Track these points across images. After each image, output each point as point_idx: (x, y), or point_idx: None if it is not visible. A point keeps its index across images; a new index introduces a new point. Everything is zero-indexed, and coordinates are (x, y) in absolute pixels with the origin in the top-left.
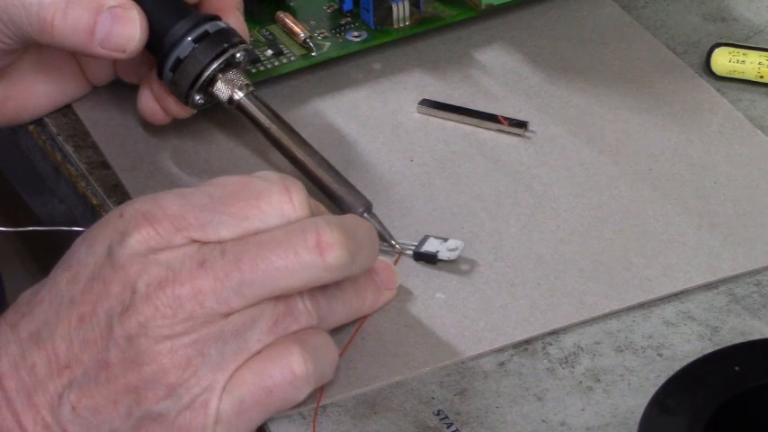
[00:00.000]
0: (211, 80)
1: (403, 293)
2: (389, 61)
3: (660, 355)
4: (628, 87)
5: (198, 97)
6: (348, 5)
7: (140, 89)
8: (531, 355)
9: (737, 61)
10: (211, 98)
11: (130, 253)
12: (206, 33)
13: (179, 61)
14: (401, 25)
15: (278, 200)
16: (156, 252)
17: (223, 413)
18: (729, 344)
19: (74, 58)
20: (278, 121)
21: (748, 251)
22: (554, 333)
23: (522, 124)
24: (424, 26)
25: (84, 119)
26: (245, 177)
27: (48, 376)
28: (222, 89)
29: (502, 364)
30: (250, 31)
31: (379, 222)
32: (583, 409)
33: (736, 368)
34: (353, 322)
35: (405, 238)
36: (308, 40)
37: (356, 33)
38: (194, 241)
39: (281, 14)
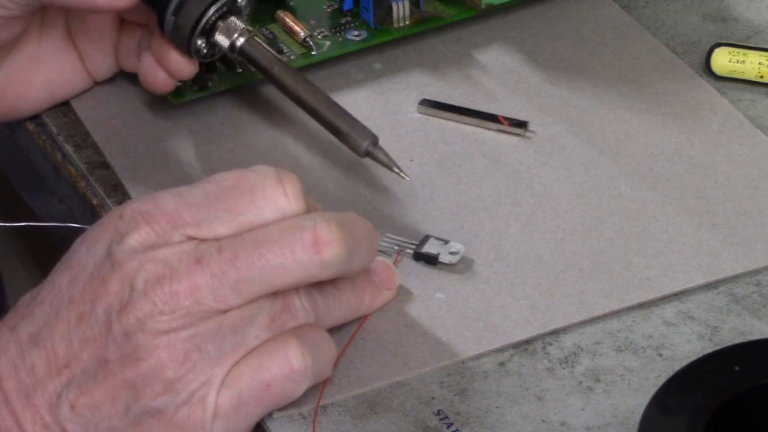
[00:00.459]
0: (212, 28)
1: (403, 293)
2: (389, 61)
3: (660, 355)
4: (628, 87)
5: (200, 42)
6: (348, 5)
7: (141, 58)
8: (531, 355)
9: (737, 61)
10: (213, 49)
11: (129, 251)
12: None
13: (181, 4)
14: (401, 25)
15: (272, 193)
16: (153, 250)
17: (221, 408)
18: (729, 344)
19: (74, 48)
20: (280, 63)
21: (748, 251)
22: (554, 333)
23: (522, 124)
24: (424, 26)
25: (84, 119)
26: (239, 172)
27: (47, 376)
28: (223, 36)
29: (502, 364)
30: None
31: (386, 155)
32: (583, 409)
33: (736, 368)
34: (353, 322)
35: (405, 238)
36: (308, 39)
37: (356, 33)
38: (191, 238)
39: (281, 13)
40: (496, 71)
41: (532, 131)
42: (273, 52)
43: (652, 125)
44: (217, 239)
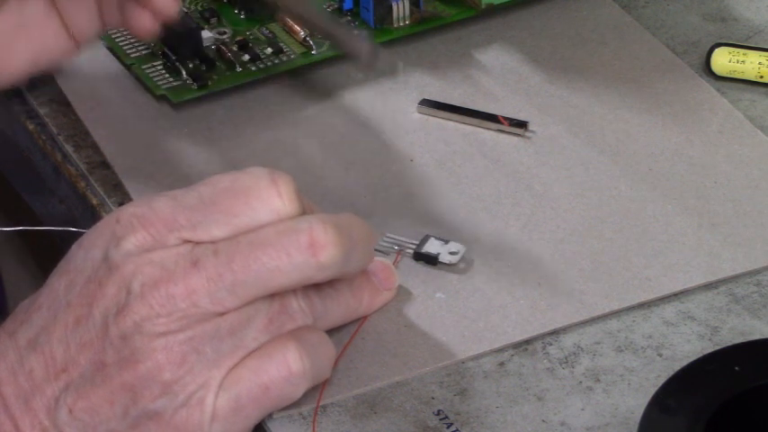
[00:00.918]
0: None
1: (403, 293)
2: (389, 61)
3: (660, 355)
4: (628, 87)
5: None
6: (348, 4)
7: (125, 7)
8: (531, 355)
9: (737, 61)
10: None
11: (125, 255)
12: None
13: None
14: (401, 24)
15: (267, 194)
16: (150, 253)
17: (219, 410)
18: (729, 344)
19: (56, 14)
20: None
21: (748, 251)
22: (554, 333)
23: (522, 124)
24: (424, 25)
25: (85, 119)
26: (233, 174)
27: (45, 380)
28: None
29: (502, 364)
30: (250, 30)
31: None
32: (583, 409)
33: (736, 368)
34: (353, 322)
35: (405, 237)
36: (308, 39)
37: (356, 32)
38: (187, 241)
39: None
40: (496, 71)
41: (532, 131)
42: None
43: (652, 125)
44: (213, 242)
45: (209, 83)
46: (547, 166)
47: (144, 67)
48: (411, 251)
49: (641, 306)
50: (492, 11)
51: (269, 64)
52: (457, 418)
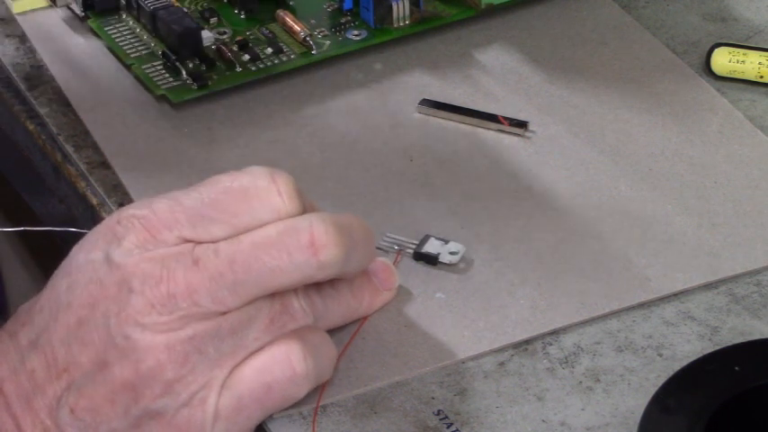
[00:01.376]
0: None
1: (403, 293)
2: (389, 61)
3: (660, 355)
4: (628, 87)
5: None
6: (348, 4)
7: None
8: (531, 355)
9: (737, 61)
10: None
11: (126, 255)
12: None
13: None
14: (401, 24)
15: (267, 194)
16: (150, 252)
17: (222, 410)
18: (729, 344)
19: None
20: None
21: (748, 251)
22: (554, 333)
23: (522, 124)
24: (424, 25)
25: (85, 119)
26: (232, 174)
27: (47, 380)
28: None
29: (502, 364)
30: (250, 30)
31: None
32: (583, 409)
33: (736, 368)
34: (353, 322)
35: (405, 237)
36: (307, 39)
37: (356, 32)
38: (188, 241)
39: (281, 13)
40: (496, 71)
41: (532, 131)
42: None
43: (652, 125)
44: (213, 242)
45: (209, 83)
46: (547, 166)
47: (144, 67)
48: (411, 251)
49: (641, 306)
50: (492, 11)
51: (269, 64)
52: (457, 418)
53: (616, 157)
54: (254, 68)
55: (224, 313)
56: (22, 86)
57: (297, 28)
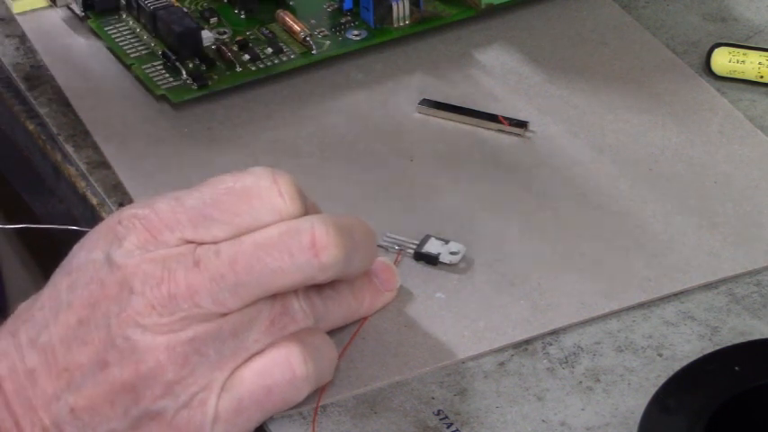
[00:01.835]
0: None
1: (403, 293)
2: (389, 61)
3: (660, 355)
4: (628, 87)
5: None
6: (348, 4)
7: None
8: (531, 355)
9: (737, 61)
10: None
11: (127, 255)
12: None
13: None
14: (401, 24)
15: (268, 194)
16: (151, 253)
17: (222, 412)
18: (729, 344)
19: None
20: None
21: (748, 251)
22: (554, 333)
23: (522, 124)
24: (424, 25)
25: (85, 119)
26: (234, 175)
27: (46, 379)
28: None
29: (502, 364)
30: (250, 30)
31: None
32: (583, 409)
33: (736, 368)
34: (353, 323)
35: (405, 237)
36: (307, 39)
37: (356, 32)
38: (189, 242)
39: (281, 13)
40: (496, 71)
41: (532, 131)
42: None
43: (652, 125)
44: (215, 242)
45: (210, 83)
46: (547, 166)
47: (144, 67)
48: (411, 251)
49: (641, 306)
50: (492, 11)
51: (269, 64)
52: (457, 418)
53: (616, 157)
54: (254, 68)
55: (224, 315)
56: (22, 86)
57: (297, 28)
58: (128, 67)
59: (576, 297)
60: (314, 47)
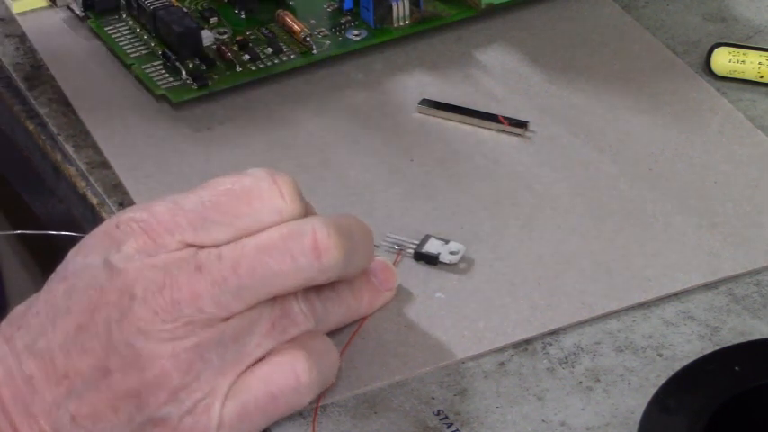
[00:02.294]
0: None
1: (403, 293)
2: (389, 61)
3: (660, 355)
4: (628, 87)
5: None
6: (348, 4)
7: None
8: (531, 355)
9: (737, 61)
10: None
11: (126, 260)
12: None
13: None
14: (401, 24)
15: (268, 195)
16: (151, 257)
17: (226, 418)
18: (729, 344)
19: None
20: None
21: (748, 251)
22: (554, 333)
23: (522, 124)
24: (424, 25)
25: (85, 119)
26: (233, 176)
27: (45, 386)
28: None
29: (502, 364)
30: (250, 30)
31: None
32: (583, 409)
33: (736, 368)
34: (353, 323)
35: (405, 237)
36: (308, 39)
37: (356, 32)
38: (189, 245)
39: (281, 13)
40: (496, 71)
41: (532, 131)
42: None
43: (652, 125)
44: (215, 245)
45: (210, 83)
46: (547, 166)
47: (144, 67)
48: (411, 251)
49: (641, 306)
50: (492, 11)
51: (269, 64)
52: (457, 418)
53: (616, 157)
54: (254, 68)
55: (226, 319)
56: (22, 86)
57: (297, 28)
58: (128, 67)
59: (576, 297)
60: (314, 47)
